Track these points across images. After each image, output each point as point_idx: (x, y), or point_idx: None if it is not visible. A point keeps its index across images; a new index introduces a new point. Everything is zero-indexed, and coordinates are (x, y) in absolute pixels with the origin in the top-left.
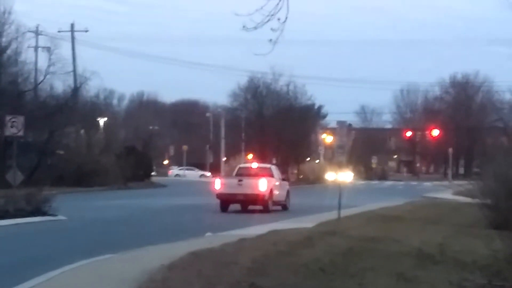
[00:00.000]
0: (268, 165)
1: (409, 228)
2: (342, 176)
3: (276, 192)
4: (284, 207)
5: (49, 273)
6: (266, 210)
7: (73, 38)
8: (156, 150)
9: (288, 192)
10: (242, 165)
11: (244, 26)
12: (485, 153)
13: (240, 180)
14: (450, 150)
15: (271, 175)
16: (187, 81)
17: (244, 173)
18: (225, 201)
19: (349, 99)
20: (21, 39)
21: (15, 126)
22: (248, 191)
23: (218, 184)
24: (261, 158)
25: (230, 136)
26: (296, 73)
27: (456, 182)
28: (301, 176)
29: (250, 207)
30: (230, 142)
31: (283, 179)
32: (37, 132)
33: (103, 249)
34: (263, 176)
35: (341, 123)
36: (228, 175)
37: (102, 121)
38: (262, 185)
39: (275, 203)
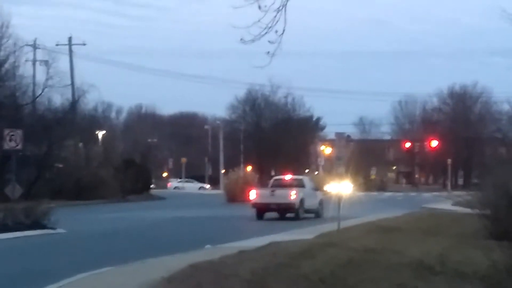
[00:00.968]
0: (300, 177)
1: (408, 239)
2: (342, 187)
3: (308, 201)
4: (317, 214)
5: (49, 286)
6: (297, 217)
7: (71, 52)
8: (154, 163)
9: (321, 201)
10: (276, 177)
11: (241, 39)
12: (484, 164)
13: (272, 191)
14: (449, 161)
15: (303, 186)
16: (185, 94)
17: (278, 184)
18: (260, 209)
19: (348, 110)
20: (18, 53)
21: (13, 140)
22: (280, 200)
23: (253, 194)
24: (259, 170)
25: (228, 148)
26: (294, 85)
27: (455, 193)
28: None
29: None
30: (228, 154)
31: (317, 189)
32: (35, 145)
33: (102, 262)
34: (295, 186)
35: (339, 135)
36: (264, 186)
37: (100, 134)
38: (293, 195)
39: (308, 211)
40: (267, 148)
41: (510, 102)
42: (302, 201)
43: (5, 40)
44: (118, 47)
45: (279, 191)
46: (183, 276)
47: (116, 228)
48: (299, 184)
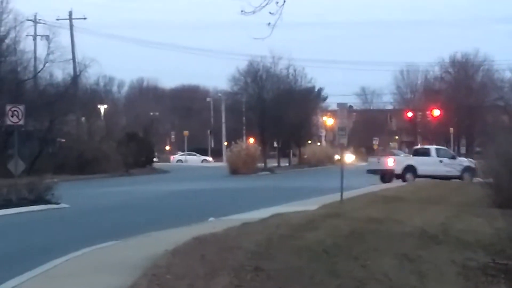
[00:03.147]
0: (428, 146)
1: (411, 209)
2: (346, 158)
3: (425, 167)
4: (461, 178)
5: (54, 261)
6: (403, 181)
7: (71, 26)
8: (157, 136)
9: (468, 167)
10: (416, 147)
11: (242, 10)
12: (486, 132)
13: (378, 159)
14: (451, 130)
15: (427, 154)
16: (187, 67)
17: (415, 153)
18: (379, 175)
19: (349, 81)
20: (19, 28)
21: (15, 115)
22: (381, 166)
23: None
24: (262, 141)
25: (230, 120)
26: (296, 56)
27: None
28: (306, 157)
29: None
30: (231, 127)
31: (455, 158)
32: (37, 120)
33: (107, 236)
34: (421, 155)
35: (341, 105)
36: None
37: (102, 108)
38: (389, 162)
39: (445, 177)
40: (269, 120)
41: (511, 69)
42: (408, 167)
43: (5, 15)
44: (119, 20)
45: (381, 159)
46: (187, 248)
47: (120, 202)
48: (425, 153)
